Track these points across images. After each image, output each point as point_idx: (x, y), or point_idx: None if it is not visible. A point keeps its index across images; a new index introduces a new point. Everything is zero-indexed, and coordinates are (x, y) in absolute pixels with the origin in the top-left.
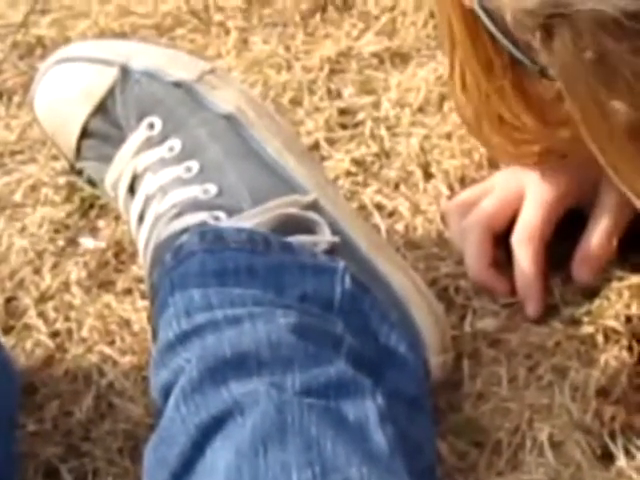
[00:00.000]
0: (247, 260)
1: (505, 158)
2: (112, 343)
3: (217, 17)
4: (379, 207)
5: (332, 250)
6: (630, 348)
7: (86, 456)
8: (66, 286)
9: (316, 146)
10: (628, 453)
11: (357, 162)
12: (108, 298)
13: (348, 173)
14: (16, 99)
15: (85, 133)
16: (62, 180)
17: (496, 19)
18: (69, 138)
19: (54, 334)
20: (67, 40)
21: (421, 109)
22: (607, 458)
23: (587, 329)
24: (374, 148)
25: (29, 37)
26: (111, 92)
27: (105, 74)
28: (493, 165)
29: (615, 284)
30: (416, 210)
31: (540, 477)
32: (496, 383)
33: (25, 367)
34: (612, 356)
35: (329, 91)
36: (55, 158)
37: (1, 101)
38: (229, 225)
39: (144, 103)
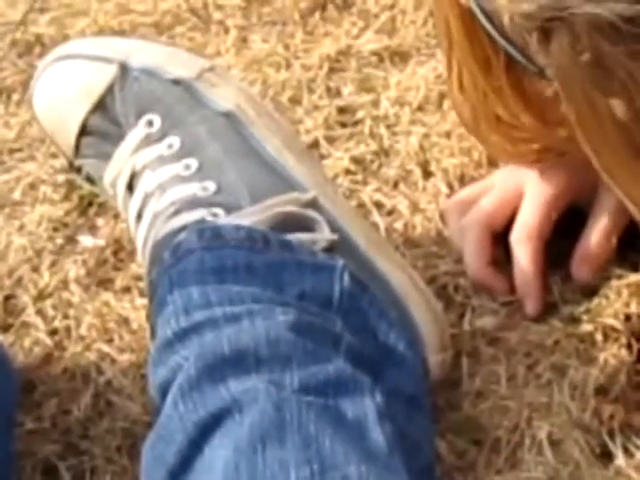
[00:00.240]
0: (246, 258)
1: (503, 157)
2: (111, 341)
3: (216, 15)
4: (378, 205)
5: (331, 248)
6: (629, 346)
7: (84, 454)
8: (65, 284)
9: (315, 144)
10: (627, 451)
11: (356, 160)
12: (107, 296)
13: (347, 171)
14: (15, 97)
15: (84, 131)
16: (61, 178)
17: (493, 20)
18: (68, 136)
19: (52, 332)
20: (66, 38)
21: (420, 107)
22: (606, 456)
23: (586, 327)
24: (373, 146)
25: (28, 35)
26: (110, 90)
27: (104, 72)
28: (492, 164)
29: (614, 282)
30: (415, 208)
31: (539, 475)
32: (495, 381)
33: (23, 365)
34: (611, 354)
35: (328, 89)
36: (54, 156)
37: (0, 99)
38: (228, 222)
39: (143, 101)
